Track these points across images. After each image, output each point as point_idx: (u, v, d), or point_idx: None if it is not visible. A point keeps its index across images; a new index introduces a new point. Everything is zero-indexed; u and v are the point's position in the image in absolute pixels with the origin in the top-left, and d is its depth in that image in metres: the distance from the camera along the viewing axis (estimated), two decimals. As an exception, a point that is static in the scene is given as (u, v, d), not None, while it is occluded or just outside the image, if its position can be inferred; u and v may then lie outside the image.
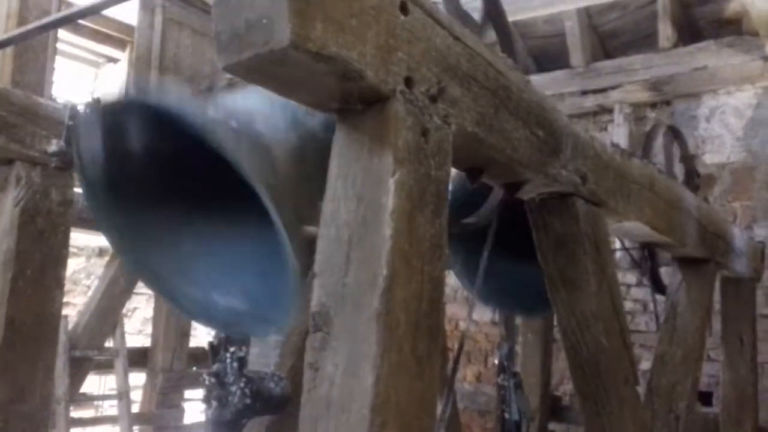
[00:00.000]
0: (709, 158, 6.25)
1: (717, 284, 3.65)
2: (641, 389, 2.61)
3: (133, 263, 1.80)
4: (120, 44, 6.79)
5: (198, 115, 1.48)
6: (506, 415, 3.28)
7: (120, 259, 1.89)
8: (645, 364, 5.37)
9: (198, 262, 1.74)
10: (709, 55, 6.25)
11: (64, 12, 1.79)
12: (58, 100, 2.67)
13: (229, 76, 1.22)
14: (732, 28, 6.28)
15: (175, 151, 1.61)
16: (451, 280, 7.25)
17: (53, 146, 2.21)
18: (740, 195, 6.06)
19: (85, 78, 7.12)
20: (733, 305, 3.95)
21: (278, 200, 1.44)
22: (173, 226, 1.75)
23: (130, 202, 1.70)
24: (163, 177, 1.70)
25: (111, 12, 5.80)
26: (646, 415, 2.56)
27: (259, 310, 1.67)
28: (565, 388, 6.13)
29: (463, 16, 1.97)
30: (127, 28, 6.58)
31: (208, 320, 1.82)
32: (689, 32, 6.57)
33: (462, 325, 7.19)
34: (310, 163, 1.64)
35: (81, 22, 5.21)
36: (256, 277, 1.70)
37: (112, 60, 7.00)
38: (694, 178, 4.06)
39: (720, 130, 6.25)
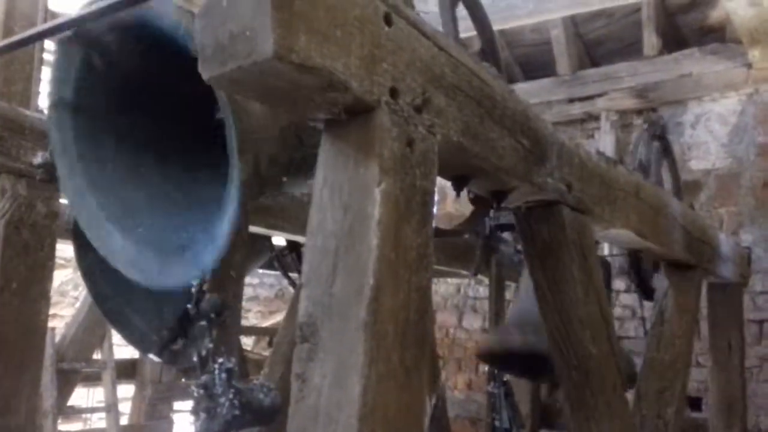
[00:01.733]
0: (695, 164, 6.30)
1: (704, 290, 3.67)
2: (630, 395, 2.62)
3: (73, 197, 1.77)
4: (107, 54, 6.75)
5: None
6: (497, 423, 3.28)
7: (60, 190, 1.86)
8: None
9: (130, 204, 1.73)
10: (694, 63, 6.31)
11: (50, 23, 1.78)
12: (45, 111, 2.65)
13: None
14: (716, 36, 6.35)
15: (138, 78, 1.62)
16: (441, 288, 7.29)
17: (39, 158, 2.20)
18: (726, 201, 6.10)
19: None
20: (720, 310, 3.97)
21: (239, 123, 1.44)
22: (112, 165, 1.75)
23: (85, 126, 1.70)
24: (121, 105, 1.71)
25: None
26: (634, 421, 2.56)
27: (190, 251, 1.64)
28: (555, 395, 6.14)
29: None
30: (114, 39, 6.55)
31: (139, 272, 1.77)
32: (674, 40, 6.63)
33: (452, 333, 7.19)
34: (290, 124, 1.65)
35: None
36: (190, 217, 1.69)
37: (99, 71, 6.95)
38: (680, 184, 4.09)
39: (705, 136, 6.30)
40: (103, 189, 1.72)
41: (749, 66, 5.94)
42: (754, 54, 5.69)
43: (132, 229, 1.70)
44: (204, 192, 1.69)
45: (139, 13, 1.53)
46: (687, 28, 6.62)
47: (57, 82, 1.75)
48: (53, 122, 1.77)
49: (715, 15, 6.28)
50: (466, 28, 2.13)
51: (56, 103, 1.75)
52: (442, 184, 1.73)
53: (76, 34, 1.69)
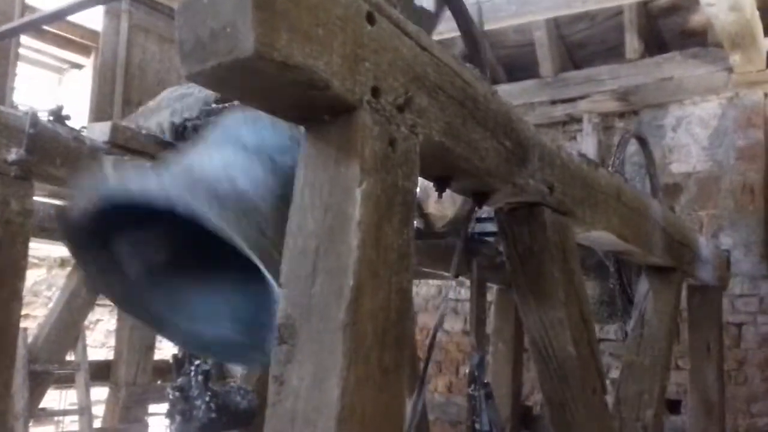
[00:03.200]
0: (676, 167, 6.36)
1: (684, 293, 3.69)
2: (611, 398, 2.62)
3: (135, 314, 1.76)
4: (84, 50, 6.67)
5: (184, 201, 1.42)
6: (477, 426, 3.27)
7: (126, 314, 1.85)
8: (615, 373, 5.42)
9: (193, 302, 1.72)
10: (675, 66, 6.37)
11: (27, 17, 1.75)
12: (21, 107, 2.61)
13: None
14: (697, 40, 6.42)
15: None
16: (422, 290, 7.29)
17: (13, 155, 2.16)
18: (706, 204, 6.16)
19: (48, 84, 6.98)
20: (699, 313, 4.00)
21: (269, 256, 1.41)
22: (171, 274, 1.72)
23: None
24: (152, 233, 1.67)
25: (75, 17, 5.70)
26: (614, 424, 2.57)
27: (249, 342, 1.64)
28: (536, 398, 6.16)
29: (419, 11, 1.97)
30: (92, 34, 6.47)
31: (203, 350, 1.78)
32: (655, 43, 6.69)
33: (431, 333, 7.19)
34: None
35: (44, 27, 5.13)
36: (245, 320, 1.68)
37: (77, 66, 6.86)
38: (659, 187, 4.12)
39: (686, 139, 6.36)
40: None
41: (730, 70, 6.01)
42: (735, 58, 5.76)
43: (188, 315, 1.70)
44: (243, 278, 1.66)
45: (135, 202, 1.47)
46: (668, 32, 6.69)
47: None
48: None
49: (696, 19, 6.34)
50: (451, 29, 2.12)
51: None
52: (425, 184, 1.72)
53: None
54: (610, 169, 2.68)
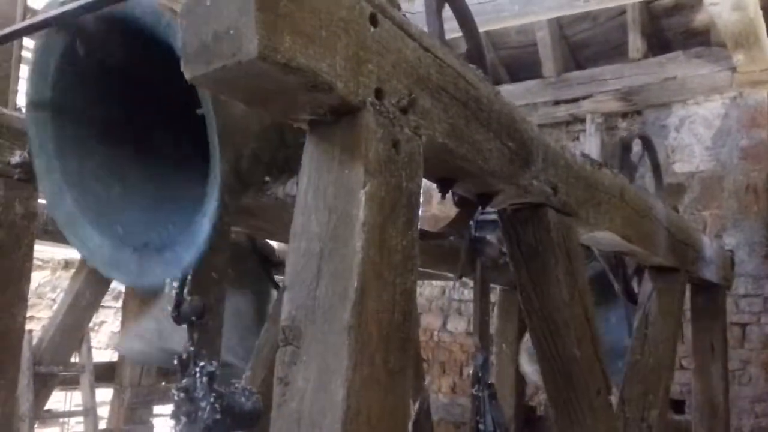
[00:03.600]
0: (679, 167, 6.34)
1: (688, 293, 3.69)
2: (615, 398, 2.62)
3: (53, 198, 1.75)
4: (89, 53, 6.67)
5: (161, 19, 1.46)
6: (481, 426, 3.27)
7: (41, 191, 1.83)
8: (618, 372, 5.40)
9: (110, 204, 1.71)
10: (678, 66, 6.36)
11: (29, 20, 1.76)
12: (23, 110, 2.62)
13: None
14: (700, 39, 6.40)
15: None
16: (426, 290, 7.29)
17: (17, 158, 2.16)
18: (709, 204, 6.15)
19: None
20: (703, 313, 3.99)
21: (222, 119, 1.42)
22: (93, 165, 1.72)
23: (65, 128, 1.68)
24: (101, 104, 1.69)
25: (80, 21, 5.71)
26: (618, 424, 2.57)
27: (170, 249, 1.62)
28: (540, 399, 6.15)
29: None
30: (96, 37, 6.47)
31: (117, 271, 1.75)
32: (658, 43, 6.68)
33: (437, 335, 7.19)
34: (275, 124, 1.63)
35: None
36: (170, 215, 1.67)
37: (80, 69, 6.87)
38: (662, 187, 4.11)
39: (689, 139, 6.35)
40: (80, 187, 1.70)
41: (733, 69, 5.99)
42: (739, 58, 5.74)
43: (110, 228, 1.67)
44: (184, 190, 1.67)
45: (121, 7, 1.51)
46: (672, 32, 6.67)
47: (35, 79, 1.72)
48: (31, 120, 1.74)
49: (699, 19, 6.33)
50: (452, 29, 2.12)
51: (34, 100, 1.72)
52: (428, 185, 1.72)
53: (56, 23, 1.66)
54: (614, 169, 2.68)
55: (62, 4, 1.59)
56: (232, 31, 1.05)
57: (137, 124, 1.77)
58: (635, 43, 6.56)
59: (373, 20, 1.24)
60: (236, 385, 1.86)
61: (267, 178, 1.79)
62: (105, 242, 1.67)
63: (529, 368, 4.55)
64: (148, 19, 1.50)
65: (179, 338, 1.72)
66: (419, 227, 1.39)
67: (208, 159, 1.48)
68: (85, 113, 1.72)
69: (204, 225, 1.48)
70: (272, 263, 3.44)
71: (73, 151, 1.71)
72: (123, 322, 5.17)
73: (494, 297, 5.27)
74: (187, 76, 1.12)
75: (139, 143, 1.78)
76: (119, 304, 5.94)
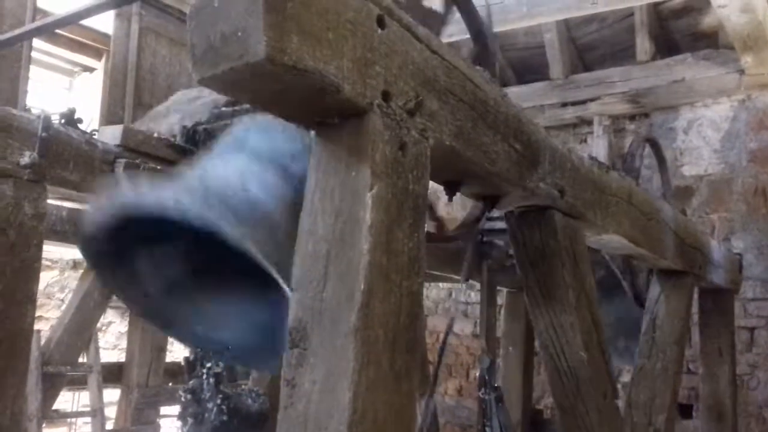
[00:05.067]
0: (687, 170, 6.32)
1: (696, 296, 3.67)
2: (622, 402, 2.61)
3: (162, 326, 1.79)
4: (96, 53, 6.70)
5: (198, 212, 1.41)
6: (488, 430, 3.26)
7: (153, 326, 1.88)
8: (626, 377, 5.39)
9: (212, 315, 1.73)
10: (686, 68, 6.34)
11: (39, 21, 1.77)
12: (33, 110, 2.63)
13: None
14: (708, 42, 6.38)
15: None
16: (433, 292, 7.28)
17: (26, 158, 2.17)
18: (718, 207, 6.12)
19: (60, 87, 7.02)
20: (711, 317, 3.98)
21: (284, 265, 1.42)
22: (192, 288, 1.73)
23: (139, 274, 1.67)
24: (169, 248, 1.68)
25: (87, 21, 5.74)
26: (625, 428, 2.56)
27: (265, 346, 1.65)
28: (547, 402, 6.13)
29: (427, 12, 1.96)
30: (103, 37, 6.50)
31: (222, 354, 1.80)
32: (666, 45, 6.66)
33: (443, 337, 7.18)
34: None
35: (56, 30, 5.17)
36: (262, 326, 1.69)
37: (88, 69, 6.89)
38: (671, 190, 4.09)
39: (698, 142, 6.33)
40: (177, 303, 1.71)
41: (742, 72, 5.97)
42: (747, 60, 5.72)
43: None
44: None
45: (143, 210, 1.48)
46: (679, 34, 6.65)
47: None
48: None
49: (707, 21, 6.31)
50: (460, 31, 2.12)
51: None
52: (435, 188, 1.72)
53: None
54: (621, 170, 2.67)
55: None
56: (239, 33, 1.06)
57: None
58: (643, 45, 6.54)
59: (381, 22, 1.24)
60: (243, 386, 1.87)
61: None
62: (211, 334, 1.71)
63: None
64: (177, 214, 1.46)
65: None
66: (426, 230, 1.38)
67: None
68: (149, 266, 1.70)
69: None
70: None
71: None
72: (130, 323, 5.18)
73: (501, 299, 5.26)
74: (195, 77, 1.13)
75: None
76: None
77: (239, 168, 1.54)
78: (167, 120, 2.74)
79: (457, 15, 2.17)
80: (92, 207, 1.56)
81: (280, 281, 1.40)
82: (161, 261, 1.64)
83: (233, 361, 1.81)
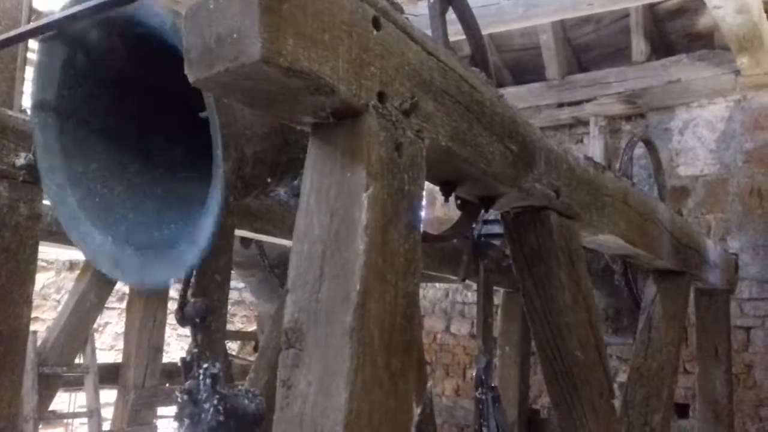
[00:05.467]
0: (683, 170, 6.33)
1: (692, 296, 3.68)
2: (619, 402, 2.61)
3: (55, 196, 1.75)
4: (93, 55, 6.69)
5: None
6: (484, 429, 3.27)
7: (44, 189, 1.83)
8: (623, 377, 5.40)
9: (115, 204, 1.71)
10: (682, 69, 6.35)
11: (35, 22, 1.76)
12: (28, 112, 2.62)
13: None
14: (704, 42, 6.39)
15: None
16: (429, 293, 7.29)
17: (21, 159, 2.17)
18: (714, 207, 6.14)
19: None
20: (707, 317, 3.99)
21: (225, 118, 1.42)
22: (98, 164, 1.73)
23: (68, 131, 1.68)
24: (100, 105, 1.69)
25: (85, 23, 5.73)
26: (621, 428, 2.56)
27: (173, 249, 1.62)
28: (543, 401, 6.14)
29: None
30: (100, 39, 6.50)
31: (119, 271, 1.75)
32: (662, 46, 6.67)
33: (440, 338, 7.18)
34: (278, 128, 1.64)
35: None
36: (173, 215, 1.67)
37: (85, 71, 6.89)
38: (666, 191, 4.11)
39: (693, 142, 6.34)
40: (84, 187, 1.70)
41: (737, 73, 5.98)
42: (743, 61, 5.73)
43: (112, 227, 1.68)
44: (187, 191, 1.68)
45: (125, 9, 1.52)
46: (675, 35, 6.66)
47: (40, 82, 1.72)
48: (36, 122, 1.75)
49: (703, 22, 6.32)
50: (456, 32, 2.12)
51: (39, 104, 1.73)
52: (431, 188, 1.72)
53: (59, 32, 1.67)
54: (617, 172, 2.68)
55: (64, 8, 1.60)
56: (235, 34, 1.06)
57: (142, 126, 1.77)
58: (639, 45, 6.55)
59: (376, 23, 1.25)
60: (239, 387, 1.87)
61: (269, 180, 1.80)
62: (107, 242, 1.67)
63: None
64: (152, 22, 1.50)
65: None
66: (422, 230, 1.39)
67: (211, 161, 1.48)
68: (89, 116, 1.73)
69: (206, 225, 1.48)
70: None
71: (77, 152, 1.71)
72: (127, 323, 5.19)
73: (497, 299, 5.26)
74: (191, 79, 1.13)
75: (143, 145, 1.79)
76: (124, 305, 5.95)
77: None
78: None
79: (452, 15, 2.17)
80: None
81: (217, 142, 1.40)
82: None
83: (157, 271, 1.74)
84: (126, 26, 1.56)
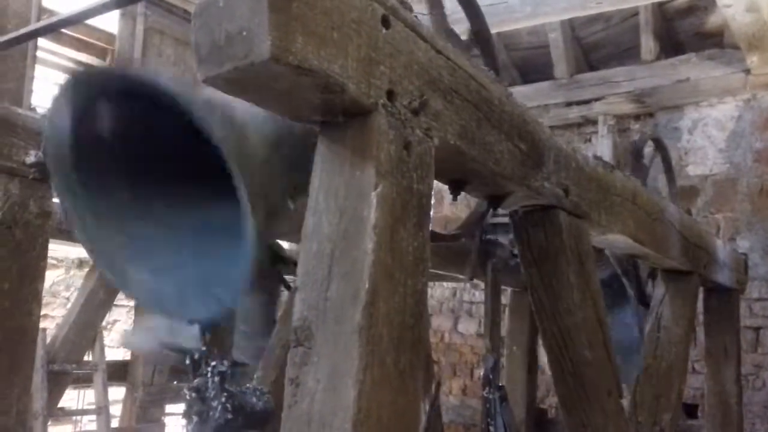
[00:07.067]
0: (692, 170, 6.31)
1: (701, 296, 3.66)
2: (627, 402, 2.61)
3: (88, 243, 1.74)
4: (101, 53, 6.72)
5: (171, 82, 1.43)
6: (492, 429, 3.26)
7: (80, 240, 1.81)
8: (630, 376, 5.37)
9: (148, 244, 1.71)
10: (691, 68, 6.32)
11: (44, 21, 1.77)
12: (38, 109, 2.64)
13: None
14: (713, 41, 6.36)
15: (135, 128, 1.58)
16: (437, 291, 7.28)
17: (32, 157, 2.18)
18: (723, 207, 6.11)
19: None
20: (717, 317, 3.97)
21: (247, 178, 1.41)
22: (125, 206, 1.72)
23: (90, 182, 1.66)
24: (121, 156, 1.67)
25: (92, 20, 5.76)
26: (630, 427, 2.55)
27: (209, 291, 1.62)
28: (551, 401, 6.13)
29: (450, 34, 1.97)
30: (108, 37, 6.53)
31: (157, 305, 1.75)
32: (671, 45, 6.64)
33: (447, 337, 7.18)
34: (285, 155, 1.62)
35: (61, 30, 5.19)
36: (209, 258, 1.66)
37: (93, 68, 6.93)
38: (676, 190, 4.09)
39: (702, 141, 6.31)
40: (116, 228, 1.69)
41: (747, 72, 5.95)
42: (752, 60, 5.71)
43: (149, 264, 1.68)
44: (220, 227, 1.66)
45: (128, 77, 1.48)
46: (684, 34, 6.64)
47: (52, 134, 1.66)
48: (54, 167, 1.70)
49: (712, 20, 6.29)
50: (463, 31, 2.12)
51: (54, 155, 1.67)
52: (439, 187, 1.72)
53: (75, 20, 1.64)
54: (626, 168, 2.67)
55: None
56: (244, 33, 1.06)
57: (173, 167, 1.73)
58: (648, 44, 6.53)
59: (385, 22, 1.25)
60: (248, 385, 1.87)
61: (292, 206, 1.78)
62: (145, 278, 1.68)
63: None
64: (161, 88, 1.45)
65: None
66: (430, 229, 1.39)
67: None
68: (115, 163, 1.69)
69: (243, 266, 1.47)
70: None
71: (105, 196, 1.69)
72: (135, 320, 5.21)
73: (505, 299, 5.25)
74: (200, 77, 1.13)
75: (175, 185, 1.75)
76: (132, 302, 5.97)
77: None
78: None
79: (461, 14, 2.17)
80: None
81: (238, 182, 1.39)
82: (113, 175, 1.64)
83: (172, 311, 1.73)
84: (133, 91, 1.52)
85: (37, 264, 2.32)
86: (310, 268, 1.25)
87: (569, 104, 6.96)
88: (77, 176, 1.66)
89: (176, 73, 6.54)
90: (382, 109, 1.23)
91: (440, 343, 7.11)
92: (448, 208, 7.06)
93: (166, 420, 5.41)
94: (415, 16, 1.36)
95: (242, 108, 1.46)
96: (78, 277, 6.69)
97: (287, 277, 3.42)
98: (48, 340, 4.56)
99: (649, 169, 3.68)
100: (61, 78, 6.95)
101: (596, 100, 6.78)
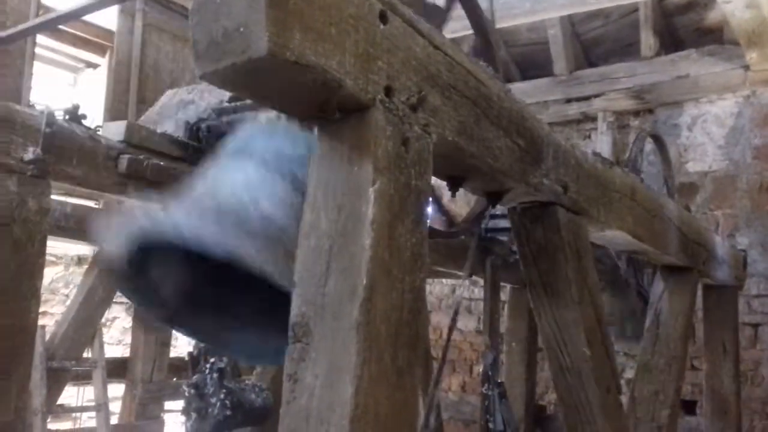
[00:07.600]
0: (692, 166, 6.31)
1: (700, 292, 3.67)
2: (626, 398, 2.61)
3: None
4: (100, 49, 6.71)
5: (215, 239, 1.40)
6: (491, 425, 3.27)
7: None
8: (630, 373, 5.39)
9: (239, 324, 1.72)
10: (691, 64, 6.32)
11: (43, 17, 1.77)
12: (37, 106, 2.63)
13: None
14: (713, 37, 6.36)
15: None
16: (436, 288, 7.28)
17: (30, 154, 2.18)
18: (722, 203, 6.11)
19: (64, 83, 7.03)
20: (715, 313, 3.97)
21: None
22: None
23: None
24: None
25: (90, 17, 5.74)
26: (628, 424, 2.56)
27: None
28: (550, 397, 6.13)
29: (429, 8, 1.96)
30: (107, 33, 6.52)
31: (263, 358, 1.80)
32: (671, 41, 6.64)
33: (446, 333, 7.18)
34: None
35: (60, 26, 5.18)
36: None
37: (92, 65, 6.90)
38: (674, 186, 4.09)
39: (702, 138, 6.31)
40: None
41: (746, 68, 5.95)
42: (752, 56, 5.70)
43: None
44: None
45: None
46: (684, 30, 6.63)
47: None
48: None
49: (712, 16, 6.29)
50: (463, 27, 2.12)
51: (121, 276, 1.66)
52: (438, 183, 1.72)
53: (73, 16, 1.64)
54: (624, 168, 2.66)
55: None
56: (242, 29, 1.06)
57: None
58: (647, 40, 6.52)
59: (383, 17, 1.24)
60: (246, 381, 1.87)
61: None
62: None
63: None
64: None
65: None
66: (429, 225, 1.38)
67: None
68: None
69: None
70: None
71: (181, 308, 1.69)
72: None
73: (504, 295, 5.26)
74: (198, 73, 1.13)
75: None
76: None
77: (248, 180, 1.52)
78: (161, 128, 2.75)
79: (457, 12, 2.16)
80: (110, 239, 1.54)
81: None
82: (177, 274, 1.64)
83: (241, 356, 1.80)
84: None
85: (36, 261, 2.32)
86: (307, 264, 1.24)
87: (569, 101, 6.96)
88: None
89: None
90: (380, 105, 1.23)
91: (439, 340, 7.12)
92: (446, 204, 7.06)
93: (165, 417, 5.41)
94: (413, 12, 1.36)
95: (269, 203, 1.45)
96: (77, 274, 6.68)
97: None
98: (47, 337, 4.56)
99: (641, 162, 3.66)
100: (63, 76, 6.96)
101: (596, 96, 6.77)
